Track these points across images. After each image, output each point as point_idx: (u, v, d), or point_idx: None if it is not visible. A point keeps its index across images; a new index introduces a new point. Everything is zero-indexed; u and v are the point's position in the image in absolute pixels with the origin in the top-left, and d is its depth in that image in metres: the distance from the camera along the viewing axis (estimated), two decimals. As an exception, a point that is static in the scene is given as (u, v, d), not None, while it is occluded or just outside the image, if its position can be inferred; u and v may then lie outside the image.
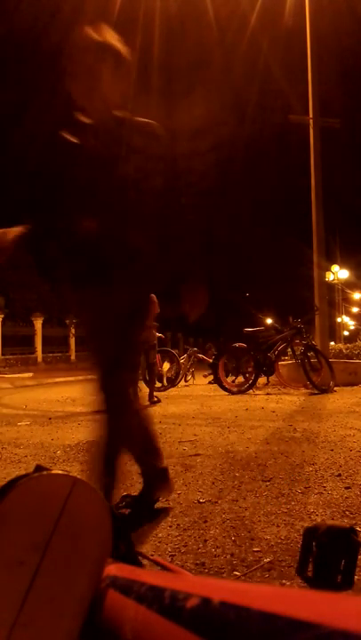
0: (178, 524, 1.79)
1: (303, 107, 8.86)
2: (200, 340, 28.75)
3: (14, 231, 1.53)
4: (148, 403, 5.89)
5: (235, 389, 7.19)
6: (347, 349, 9.00)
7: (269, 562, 1.47)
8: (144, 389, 6.27)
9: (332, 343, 12.93)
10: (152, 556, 1.16)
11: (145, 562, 0.50)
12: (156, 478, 1.84)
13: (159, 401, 6.03)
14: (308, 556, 0.44)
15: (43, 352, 21.52)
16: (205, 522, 1.81)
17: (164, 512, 1.92)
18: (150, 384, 6.17)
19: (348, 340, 23.82)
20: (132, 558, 0.44)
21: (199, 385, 9.33)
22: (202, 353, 11.28)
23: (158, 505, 1.99)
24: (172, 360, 8.77)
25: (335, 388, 6.80)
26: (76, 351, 23.74)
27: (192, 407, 5.44)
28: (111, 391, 1.57)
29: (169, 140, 1.64)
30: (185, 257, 1.69)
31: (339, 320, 30.72)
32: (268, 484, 2.25)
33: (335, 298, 28.86)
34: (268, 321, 10.97)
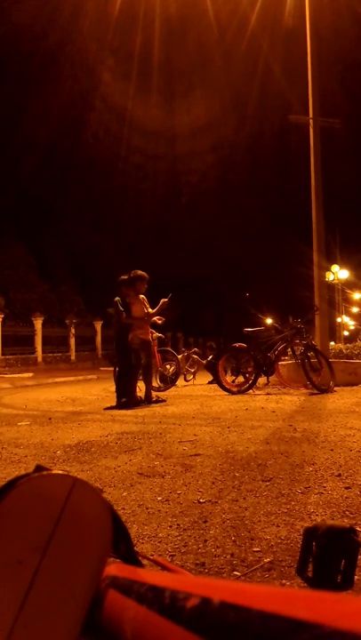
0: (178, 524, 1.79)
1: (303, 106, 8.86)
2: (200, 340, 28.76)
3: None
4: (146, 402, 5.89)
5: (235, 389, 7.19)
6: (347, 349, 8.99)
7: (269, 562, 1.47)
8: (144, 389, 6.27)
9: (332, 343, 12.92)
10: (152, 556, 1.16)
11: (145, 562, 0.50)
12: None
13: (162, 400, 6.04)
14: (308, 556, 0.44)
15: (43, 352, 21.51)
16: (205, 522, 1.81)
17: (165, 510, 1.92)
18: (146, 384, 6.17)
19: (348, 339, 23.80)
20: (132, 558, 0.44)
21: (199, 385, 9.33)
22: (200, 353, 11.29)
23: (157, 505, 2.00)
24: (173, 360, 8.77)
25: (335, 388, 6.79)
26: (76, 351, 23.72)
27: (192, 407, 5.44)
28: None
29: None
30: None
31: (339, 320, 30.68)
32: (268, 483, 2.25)
33: (335, 298, 28.80)
34: (268, 321, 10.95)
